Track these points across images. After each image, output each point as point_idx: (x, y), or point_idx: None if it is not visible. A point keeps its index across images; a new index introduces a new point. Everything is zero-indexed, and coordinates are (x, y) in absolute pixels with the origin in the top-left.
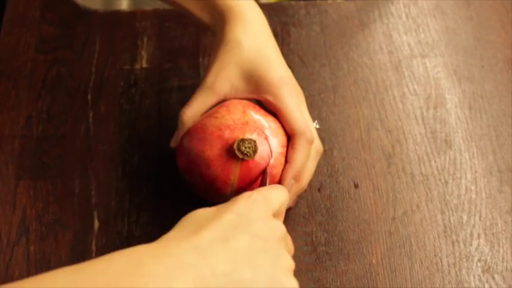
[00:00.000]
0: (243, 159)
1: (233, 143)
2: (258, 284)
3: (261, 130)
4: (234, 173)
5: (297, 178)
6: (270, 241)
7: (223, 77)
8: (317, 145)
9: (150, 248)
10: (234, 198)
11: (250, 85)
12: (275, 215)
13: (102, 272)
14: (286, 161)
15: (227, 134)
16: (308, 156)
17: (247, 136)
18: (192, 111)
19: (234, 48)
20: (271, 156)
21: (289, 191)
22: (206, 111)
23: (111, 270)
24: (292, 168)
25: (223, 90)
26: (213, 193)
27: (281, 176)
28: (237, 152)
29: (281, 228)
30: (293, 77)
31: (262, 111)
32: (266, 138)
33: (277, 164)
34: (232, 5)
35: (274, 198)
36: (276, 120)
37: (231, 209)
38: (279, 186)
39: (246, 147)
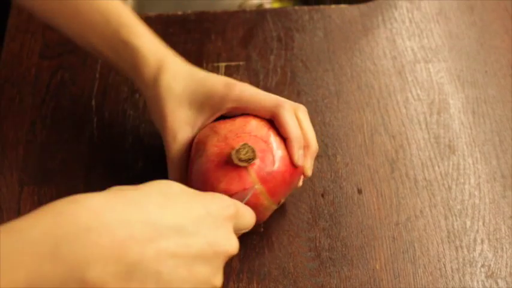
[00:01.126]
0: (247, 164)
1: (230, 156)
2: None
3: (254, 136)
4: (253, 181)
5: (304, 146)
6: (219, 257)
7: (179, 125)
8: (300, 107)
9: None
10: (213, 194)
11: (205, 112)
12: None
13: (47, 236)
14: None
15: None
16: (299, 122)
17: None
18: (178, 174)
19: (169, 95)
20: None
21: (303, 163)
22: (186, 161)
23: (56, 236)
24: (294, 141)
25: (187, 135)
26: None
27: (289, 153)
28: (239, 162)
29: (234, 248)
30: None
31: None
32: (257, 137)
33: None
34: (148, 58)
35: (245, 218)
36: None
37: (205, 205)
38: (251, 211)
39: (244, 154)
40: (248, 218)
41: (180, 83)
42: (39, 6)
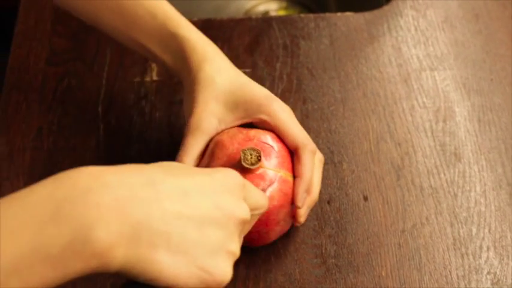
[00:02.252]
0: (252, 166)
1: (239, 161)
2: (197, 251)
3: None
4: (274, 172)
5: (308, 191)
6: (229, 220)
7: (207, 115)
8: (319, 154)
9: (103, 172)
10: (219, 168)
11: (238, 112)
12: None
13: (48, 200)
14: (294, 175)
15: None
16: (314, 167)
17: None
18: (188, 157)
19: (208, 85)
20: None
21: (303, 206)
22: (201, 152)
23: (56, 199)
24: (303, 182)
25: (212, 127)
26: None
27: (293, 191)
28: (246, 164)
29: (246, 213)
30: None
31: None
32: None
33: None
34: (196, 47)
35: (254, 193)
36: (273, 135)
37: (211, 174)
38: (261, 191)
39: (250, 155)
40: (258, 194)
41: (222, 78)
42: (82, 5)
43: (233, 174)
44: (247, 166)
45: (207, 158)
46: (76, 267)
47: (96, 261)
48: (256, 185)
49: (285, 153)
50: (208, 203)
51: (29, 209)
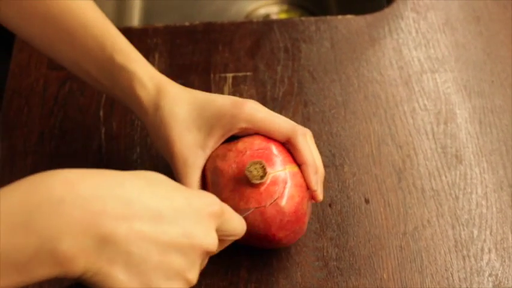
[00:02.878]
0: (262, 180)
1: (247, 180)
2: (154, 274)
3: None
4: (284, 171)
5: (315, 171)
6: (195, 249)
7: (189, 149)
8: (304, 129)
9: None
10: (200, 191)
11: (216, 132)
12: (220, 239)
13: (21, 206)
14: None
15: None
16: (310, 147)
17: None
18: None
19: (174, 121)
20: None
21: (318, 189)
22: (200, 185)
23: (29, 206)
24: (310, 167)
25: (199, 159)
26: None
27: (305, 179)
28: (256, 180)
29: (213, 245)
30: None
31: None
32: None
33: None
34: (143, 82)
35: (232, 220)
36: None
37: (188, 197)
38: (240, 218)
39: (255, 170)
40: (236, 222)
41: (183, 107)
42: (36, 34)
43: (212, 202)
44: (257, 182)
45: (212, 189)
46: (40, 273)
47: (58, 269)
48: (273, 193)
49: (280, 148)
50: (177, 230)
51: (2, 214)
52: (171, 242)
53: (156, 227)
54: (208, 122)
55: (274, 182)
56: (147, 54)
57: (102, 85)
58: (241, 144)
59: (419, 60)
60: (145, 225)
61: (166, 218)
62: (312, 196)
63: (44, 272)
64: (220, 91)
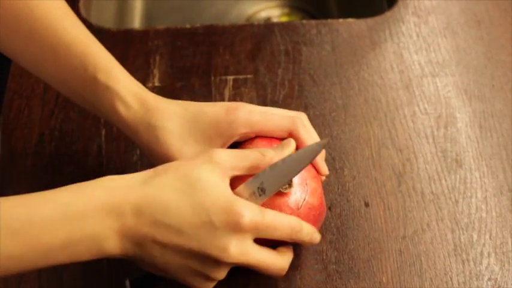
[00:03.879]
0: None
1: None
2: (178, 272)
3: None
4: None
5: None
6: (211, 260)
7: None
8: (299, 116)
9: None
10: (231, 201)
11: (215, 142)
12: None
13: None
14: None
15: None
16: (311, 134)
17: None
18: None
19: (170, 139)
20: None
21: (327, 172)
22: None
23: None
24: (319, 155)
25: None
26: None
27: (316, 168)
28: (283, 189)
29: (230, 259)
30: None
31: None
32: None
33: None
34: (128, 102)
35: (274, 229)
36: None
37: (212, 213)
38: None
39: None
40: (279, 228)
41: (176, 122)
42: (20, 53)
43: (238, 216)
44: (287, 191)
45: None
46: (84, 257)
47: (101, 256)
48: (300, 193)
49: None
50: (194, 244)
51: (69, 214)
52: (188, 252)
53: (175, 240)
54: (205, 134)
55: (298, 183)
56: (147, 56)
57: (88, 104)
58: None
59: (420, 64)
60: (166, 238)
61: (186, 234)
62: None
63: (87, 257)
64: (220, 94)
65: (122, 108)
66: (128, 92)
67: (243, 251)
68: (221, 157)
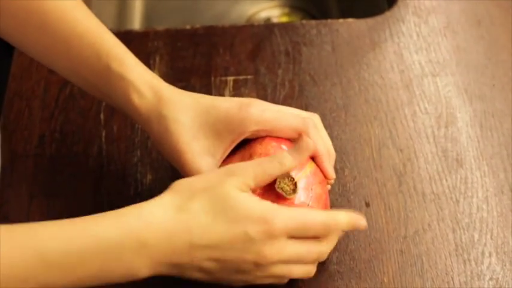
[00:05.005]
0: (291, 195)
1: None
2: (221, 273)
3: None
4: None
5: (330, 159)
6: (251, 265)
7: (200, 159)
8: (311, 116)
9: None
10: (265, 210)
11: (225, 138)
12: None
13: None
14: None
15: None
16: (321, 136)
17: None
18: None
19: (180, 130)
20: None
21: (334, 176)
22: None
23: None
24: (325, 157)
25: (210, 165)
26: None
27: (322, 169)
28: (287, 195)
29: (270, 257)
30: None
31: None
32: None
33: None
34: (142, 91)
35: (304, 228)
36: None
37: (246, 226)
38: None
39: (286, 185)
40: (313, 228)
41: (188, 114)
42: (31, 43)
43: (268, 225)
44: (291, 196)
45: None
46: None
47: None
48: (304, 199)
49: (291, 145)
50: (233, 254)
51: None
52: (227, 261)
53: (214, 254)
54: (215, 128)
55: (302, 187)
56: (147, 57)
57: (101, 94)
58: (257, 152)
59: (420, 63)
60: (205, 255)
61: (223, 248)
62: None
63: (119, 281)
64: (220, 94)
65: (135, 97)
66: (141, 81)
67: (278, 250)
68: (242, 171)
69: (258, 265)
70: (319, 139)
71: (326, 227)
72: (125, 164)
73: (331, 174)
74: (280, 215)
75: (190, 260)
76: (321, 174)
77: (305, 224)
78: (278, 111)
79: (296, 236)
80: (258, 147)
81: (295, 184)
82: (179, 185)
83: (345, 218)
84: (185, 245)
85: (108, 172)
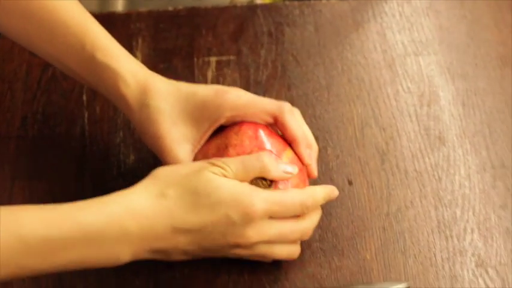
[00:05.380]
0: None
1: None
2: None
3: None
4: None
5: (308, 146)
6: (233, 247)
7: (178, 145)
8: (294, 109)
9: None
10: (245, 194)
11: (202, 124)
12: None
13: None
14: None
15: None
16: (299, 123)
17: None
18: None
19: (160, 117)
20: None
21: (312, 162)
22: None
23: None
24: (301, 143)
25: (188, 152)
26: None
27: (298, 154)
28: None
29: (249, 240)
30: None
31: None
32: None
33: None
34: (127, 80)
35: (284, 206)
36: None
37: (228, 209)
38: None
39: (261, 182)
40: (292, 207)
41: (168, 102)
42: (15, 30)
43: (250, 206)
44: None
45: None
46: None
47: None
48: (281, 186)
49: (270, 135)
50: (214, 237)
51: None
52: (211, 243)
53: (197, 238)
54: (193, 115)
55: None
56: (130, 39)
57: (87, 82)
58: (232, 150)
59: (403, 43)
60: (188, 239)
61: (206, 231)
62: (308, 173)
63: (102, 266)
64: (203, 75)
65: (122, 86)
66: (127, 70)
67: (260, 230)
68: (222, 164)
69: (241, 246)
70: (295, 124)
71: (304, 204)
72: (107, 145)
73: (307, 159)
74: (260, 196)
75: (174, 245)
76: (299, 163)
77: (284, 203)
78: (254, 97)
79: (277, 216)
80: (234, 138)
81: (270, 182)
82: (160, 172)
83: (321, 193)
84: (167, 230)
85: (91, 153)
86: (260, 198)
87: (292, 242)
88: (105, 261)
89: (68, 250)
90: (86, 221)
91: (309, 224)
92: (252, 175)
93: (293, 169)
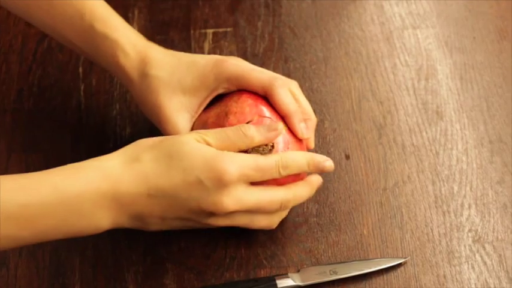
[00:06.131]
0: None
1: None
2: (175, 222)
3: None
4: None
5: (305, 119)
6: (209, 213)
7: (176, 115)
8: (292, 84)
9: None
10: (220, 157)
11: (202, 92)
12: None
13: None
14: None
15: None
16: (291, 96)
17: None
18: None
19: (160, 87)
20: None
21: (308, 134)
22: None
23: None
24: (293, 115)
25: (187, 121)
26: None
27: (291, 128)
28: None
29: (224, 209)
30: None
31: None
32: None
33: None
34: (126, 50)
35: (260, 171)
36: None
37: (201, 173)
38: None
39: (261, 149)
40: (268, 171)
41: (168, 71)
42: (12, 3)
43: (223, 171)
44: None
45: None
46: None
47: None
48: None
49: (266, 106)
50: (189, 203)
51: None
52: (187, 212)
53: (173, 204)
54: (192, 84)
55: (281, 149)
56: (126, 10)
57: (86, 53)
58: (232, 117)
59: (400, 16)
60: (164, 204)
61: (181, 198)
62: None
63: (84, 234)
64: (200, 47)
65: (121, 57)
66: (126, 40)
67: (237, 198)
68: (204, 131)
69: (216, 214)
70: (285, 99)
71: (280, 163)
72: (104, 118)
73: (301, 134)
74: (233, 160)
75: (149, 210)
76: (292, 137)
77: (259, 167)
78: (250, 68)
79: (252, 179)
80: (234, 106)
81: (271, 147)
82: (142, 140)
83: (303, 157)
84: (143, 194)
85: (87, 126)
86: (233, 163)
87: (271, 212)
88: (86, 227)
89: (47, 217)
90: (64, 185)
91: (289, 194)
92: (237, 143)
93: (277, 125)
